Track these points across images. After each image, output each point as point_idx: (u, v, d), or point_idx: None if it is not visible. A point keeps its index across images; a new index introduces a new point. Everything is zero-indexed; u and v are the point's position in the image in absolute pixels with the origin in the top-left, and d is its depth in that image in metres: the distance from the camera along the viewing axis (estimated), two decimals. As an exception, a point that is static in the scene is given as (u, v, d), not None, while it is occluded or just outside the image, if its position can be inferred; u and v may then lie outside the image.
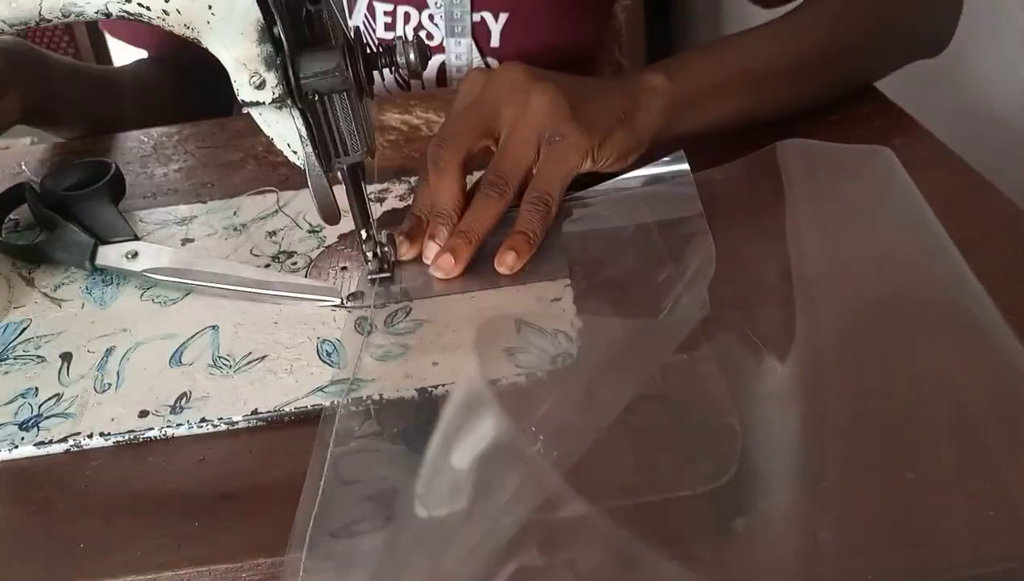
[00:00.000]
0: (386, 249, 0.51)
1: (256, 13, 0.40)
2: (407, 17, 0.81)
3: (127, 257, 0.54)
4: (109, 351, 0.49)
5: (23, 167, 0.71)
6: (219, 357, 0.47)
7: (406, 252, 0.52)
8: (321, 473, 0.39)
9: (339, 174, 0.47)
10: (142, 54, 0.90)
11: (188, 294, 0.52)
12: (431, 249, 0.51)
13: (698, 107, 0.58)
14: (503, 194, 0.52)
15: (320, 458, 0.39)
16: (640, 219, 0.54)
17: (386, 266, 0.51)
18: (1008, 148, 0.82)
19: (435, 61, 0.82)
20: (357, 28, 0.45)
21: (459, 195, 0.52)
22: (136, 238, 0.55)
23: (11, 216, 0.61)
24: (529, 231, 0.51)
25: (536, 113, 0.53)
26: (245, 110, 0.44)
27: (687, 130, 0.58)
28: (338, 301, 0.50)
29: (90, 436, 0.43)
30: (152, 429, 0.43)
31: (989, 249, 0.52)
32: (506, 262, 0.50)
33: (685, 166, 0.55)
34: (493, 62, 0.81)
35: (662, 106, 0.56)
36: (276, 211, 0.60)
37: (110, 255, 0.54)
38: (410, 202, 0.57)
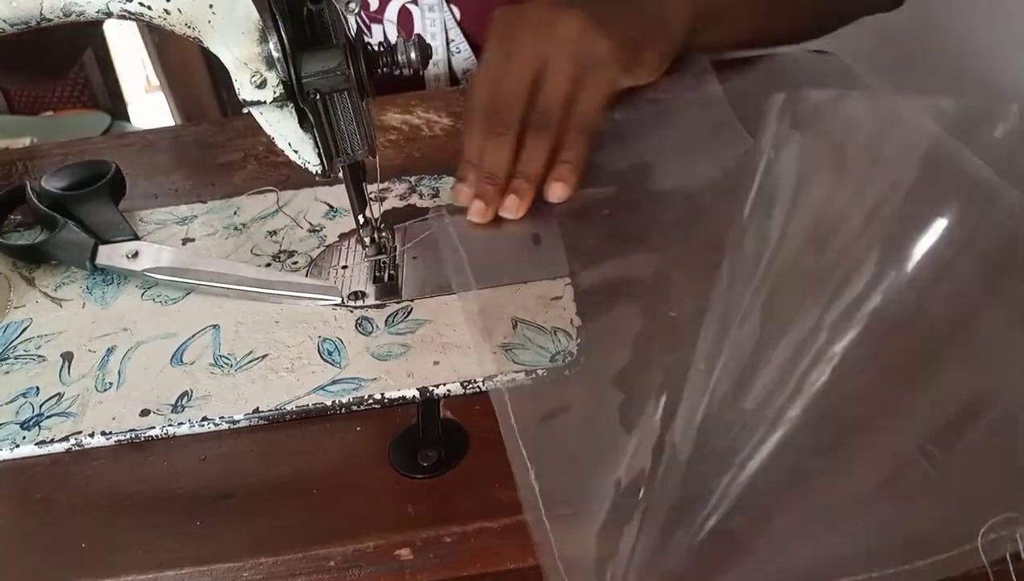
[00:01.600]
0: (383, 234, 0.51)
1: (257, 13, 0.40)
2: None
3: (127, 257, 0.54)
4: (110, 350, 0.49)
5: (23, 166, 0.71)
6: (220, 356, 0.47)
7: (465, 200, 0.54)
8: (527, 437, 0.40)
9: (339, 173, 0.47)
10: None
11: (189, 293, 0.52)
12: (477, 207, 0.54)
13: (717, 22, 0.62)
14: (550, 130, 0.54)
15: (513, 427, 0.41)
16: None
17: (384, 249, 0.51)
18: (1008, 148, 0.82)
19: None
20: (358, 27, 0.45)
21: (513, 160, 0.54)
22: (136, 238, 0.55)
23: (12, 216, 0.61)
24: (573, 160, 0.53)
25: (566, 43, 0.55)
26: (246, 110, 0.44)
27: (704, 44, 0.62)
28: (338, 300, 0.50)
29: (91, 435, 0.43)
30: (153, 428, 0.43)
31: (989, 249, 0.52)
32: (555, 192, 0.53)
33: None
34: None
35: (688, 13, 0.60)
36: (276, 211, 0.60)
37: (111, 255, 0.54)
38: (410, 202, 0.58)
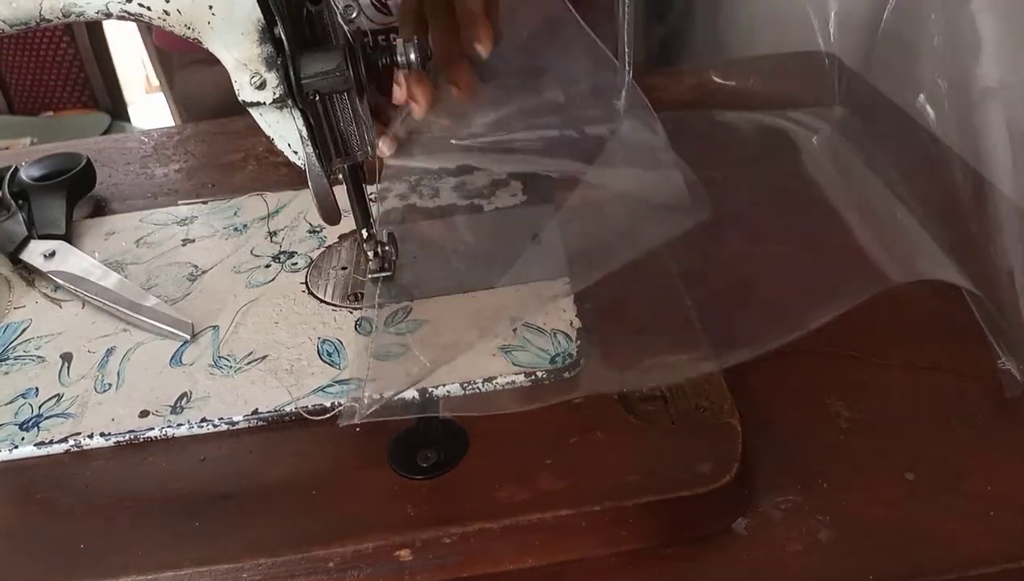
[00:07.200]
0: (387, 248, 0.51)
1: (257, 13, 0.40)
2: None
3: (44, 255, 0.55)
4: (109, 351, 0.49)
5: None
6: (220, 357, 0.47)
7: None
8: None
9: (339, 174, 0.47)
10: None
11: (188, 294, 0.52)
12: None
13: None
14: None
15: None
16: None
17: (387, 265, 0.51)
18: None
19: None
20: (358, 27, 0.45)
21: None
22: (64, 238, 0.56)
23: None
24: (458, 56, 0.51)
25: None
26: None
27: None
28: (188, 337, 0.49)
29: (91, 436, 0.43)
30: (153, 429, 0.43)
31: (989, 249, 0.52)
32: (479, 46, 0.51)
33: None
34: None
35: None
36: (277, 211, 0.60)
37: (33, 251, 0.55)
38: (410, 202, 0.58)
